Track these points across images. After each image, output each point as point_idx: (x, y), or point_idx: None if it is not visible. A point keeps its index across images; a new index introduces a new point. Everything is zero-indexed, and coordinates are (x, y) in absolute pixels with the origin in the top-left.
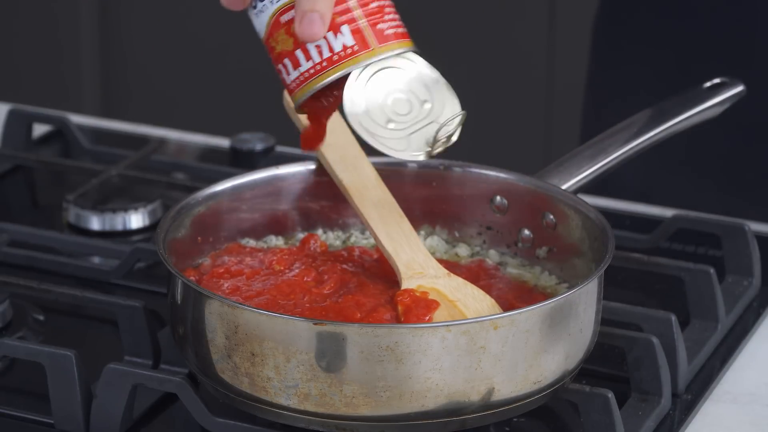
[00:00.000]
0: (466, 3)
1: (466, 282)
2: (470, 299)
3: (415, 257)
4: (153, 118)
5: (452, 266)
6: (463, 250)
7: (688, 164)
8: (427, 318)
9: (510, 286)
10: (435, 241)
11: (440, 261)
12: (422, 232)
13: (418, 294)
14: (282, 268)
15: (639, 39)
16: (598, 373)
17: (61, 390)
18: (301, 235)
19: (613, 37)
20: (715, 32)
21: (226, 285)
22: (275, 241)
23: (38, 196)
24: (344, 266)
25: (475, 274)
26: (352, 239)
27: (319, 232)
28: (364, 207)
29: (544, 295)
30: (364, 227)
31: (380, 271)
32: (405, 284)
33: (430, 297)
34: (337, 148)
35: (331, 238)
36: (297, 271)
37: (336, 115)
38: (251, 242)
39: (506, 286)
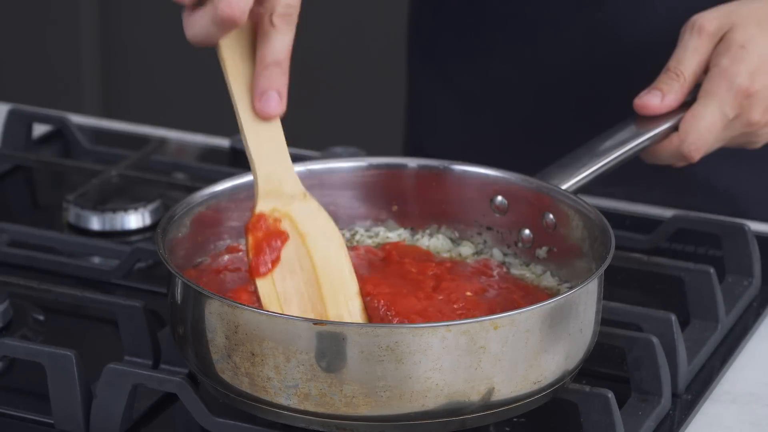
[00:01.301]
0: None
1: (320, 208)
2: (320, 235)
3: (277, 167)
4: (153, 118)
5: (457, 264)
6: (467, 249)
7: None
8: (274, 257)
9: (516, 286)
10: (440, 240)
11: (445, 260)
12: (427, 231)
13: (270, 224)
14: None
15: None
16: (598, 373)
17: (61, 390)
18: None
19: None
20: None
21: (228, 278)
22: None
23: (38, 196)
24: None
25: (482, 273)
26: (357, 237)
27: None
28: (242, 110)
29: (548, 294)
30: (369, 225)
31: (385, 270)
32: (260, 204)
33: (282, 226)
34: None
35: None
36: None
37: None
38: None
39: (513, 285)
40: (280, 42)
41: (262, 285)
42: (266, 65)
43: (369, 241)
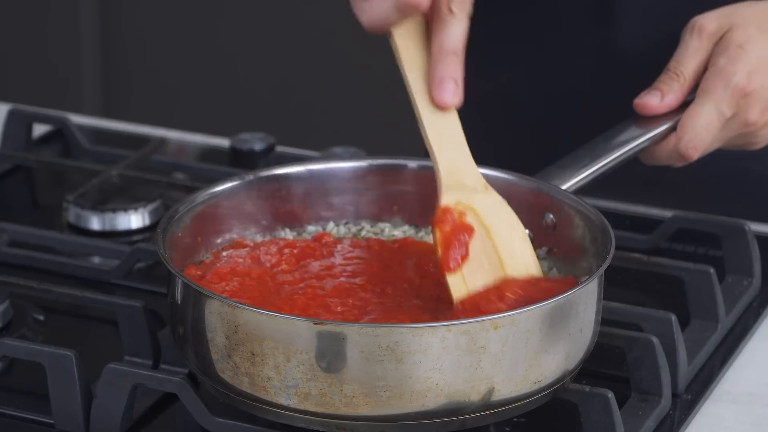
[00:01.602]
0: None
1: (502, 201)
2: (504, 227)
3: (456, 158)
4: (153, 118)
5: None
6: None
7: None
8: (463, 251)
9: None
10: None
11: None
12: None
13: (456, 218)
14: (289, 267)
15: None
16: (598, 373)
17: (61, 390)
18: (311, 229)
19: None
20: None
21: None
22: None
23: (38, 196)
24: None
25: None
26: (363, 233)
27: (330, 226)
28: (419, 98)
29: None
30: (374, 220)
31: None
32: (444, 197)
33: (467, 219)
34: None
35: (342, 232)
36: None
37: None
38: (258, 237)
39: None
40: (459, 29)
41: (453, 280)
42: (445, 53)
43: (372, 236)
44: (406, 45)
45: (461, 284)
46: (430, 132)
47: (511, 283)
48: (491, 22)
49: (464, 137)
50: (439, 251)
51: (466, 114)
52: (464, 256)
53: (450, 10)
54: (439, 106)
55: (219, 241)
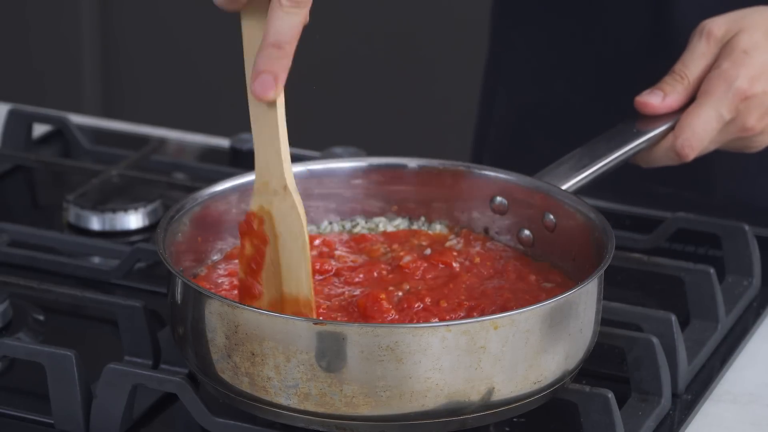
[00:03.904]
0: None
1: (294, 205)
2: (288, 237)
3: (270, 158)
4: (153, 118)
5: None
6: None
7: (688, 164)
8: (257, 264)
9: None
10: (438, 228)
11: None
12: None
13: (255, 224)
14: None
15: None
16: (598, 373)
17: (61, 390)
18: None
19: None
20: None
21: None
22: None
23: (38, 196)
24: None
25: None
26: (358, 228)
27: (324, 224)
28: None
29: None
30: (368, 216)
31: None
32: (252, 200)
33: (265, 228)
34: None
35: (337, 230)
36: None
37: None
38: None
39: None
40: (286, 23)
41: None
42: (266, 45)
43: (368, 233)
44: (250, 29)
45: (257, 290)
46: (254, 128)
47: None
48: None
49: (285, 133)
50: (242, 274)
51: (516, 121)
52: (259, 266)
53: (279, 2)
54: (255, 98)
55: (219, 242)
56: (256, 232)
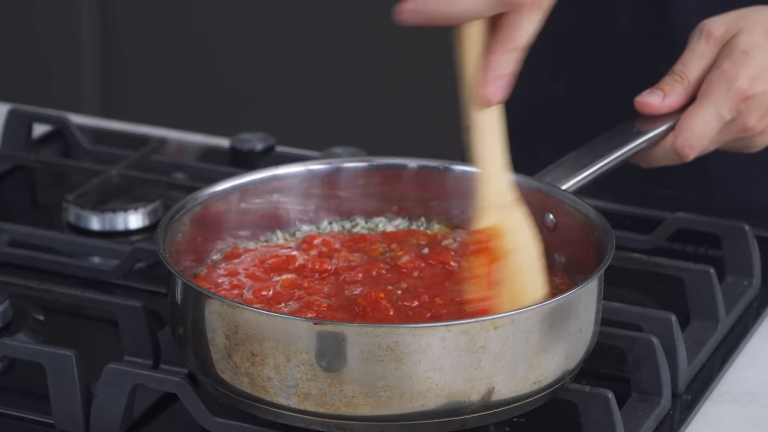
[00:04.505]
0: None
1: (524, 217)
2: (521, 252)
3: (496, 171)
4: (153, 118)
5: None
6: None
7: (688, 164)
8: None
9: None
10: (436, 228)
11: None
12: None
13: (492, 246)
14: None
15: None
16: (598, 373)
17: (61, 390)
18: (305, 229)
19: None
20: None
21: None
22: (276, 239)
23: (38, 196)
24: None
25: None
26: (357, 228)
27: (324, 224)
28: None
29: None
30: (368, 216)
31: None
32: (482, 217)
33: (499, 245)
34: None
35: (336, 229)
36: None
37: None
38: (250, 244)
39: None
40: (530, 27)
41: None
42: (508, 49)
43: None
44: (470, 38)
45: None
46: (476, 139)
47: None
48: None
49: (506, 145)
50: (470, 279)
51: (518, 122)
52: (492, 282)
53: (523, 6)
54: (487, 103)
55: (219, 242)
56: (491, 249)
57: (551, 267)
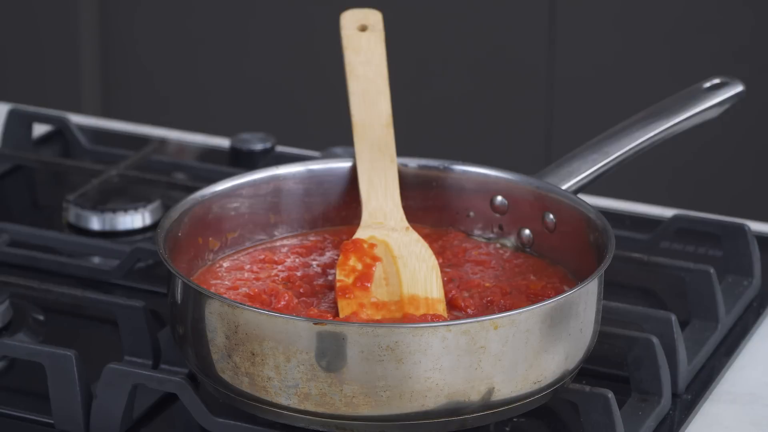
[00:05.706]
0: (465, 1)
1: (419, 239)
2: (413, 258)
3: (384, 205)
4: (153, 118)
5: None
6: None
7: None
8: (367, 282)
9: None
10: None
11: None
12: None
13: (365, 246)
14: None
15: None
16: (598, 373)
17: (61, 390)
18: (305, 229)
19: None
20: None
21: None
22: (276, 239)
23: (38, 196)
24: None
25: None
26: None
27: (324, 224)
28: (360, 145)
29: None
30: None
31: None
32: (359, 233)
33: (377, 251)
34: (364, 80)
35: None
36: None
37: (376, 42)
38: (250, 243)
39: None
40: None
41: (343, 306)
42: None
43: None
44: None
45: (348, 307)
46: (362, 182)
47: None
48: None
49: (397, 180)
50: (338, 272)
51: None
52: (369, 277)
53: None
54: None
55: (218, 245)
56: (367, 252)
57: (551, 267)
